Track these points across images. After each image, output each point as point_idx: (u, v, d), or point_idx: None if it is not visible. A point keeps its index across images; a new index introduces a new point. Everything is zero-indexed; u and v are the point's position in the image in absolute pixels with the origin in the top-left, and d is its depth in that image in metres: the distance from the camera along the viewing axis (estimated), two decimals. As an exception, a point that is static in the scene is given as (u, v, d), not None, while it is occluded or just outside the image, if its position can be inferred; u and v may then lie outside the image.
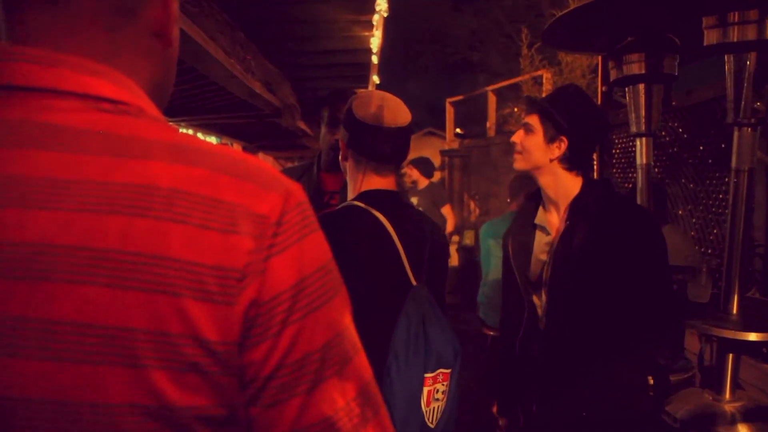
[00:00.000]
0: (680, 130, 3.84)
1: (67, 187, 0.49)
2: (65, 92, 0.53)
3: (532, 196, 1.89)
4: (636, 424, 1.69)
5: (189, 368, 0.49)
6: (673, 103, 3.68)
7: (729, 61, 1.78)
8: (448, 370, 1.46)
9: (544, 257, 1.76)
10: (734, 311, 1.85)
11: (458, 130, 10.46)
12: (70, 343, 0.47)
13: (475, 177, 9.61)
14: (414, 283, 1.46)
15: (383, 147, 1.48)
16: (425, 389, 1.41)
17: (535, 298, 1.79)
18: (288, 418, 0.53)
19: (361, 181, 1.52)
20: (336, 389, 0.54)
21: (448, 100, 10.86)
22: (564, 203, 1.73)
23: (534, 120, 1.72)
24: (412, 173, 6.09)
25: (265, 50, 4.30)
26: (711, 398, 1.89)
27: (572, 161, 1.70)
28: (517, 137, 1.76)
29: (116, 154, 0.51)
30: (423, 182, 6.03)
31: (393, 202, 1.52)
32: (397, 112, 1.49)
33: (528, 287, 1.81)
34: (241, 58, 3.39)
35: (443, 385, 1.45)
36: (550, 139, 1.69)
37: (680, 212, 3.75)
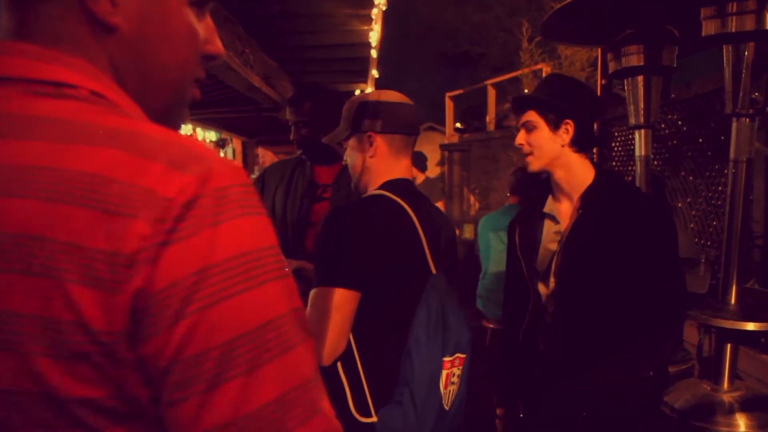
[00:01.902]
0: (680, 122, 3.83)
1: None
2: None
3: (541, 186, 1.89)
4: (637, 415, 1.69)
5: (77, 357, 0.47)
6: (672, 96, 3.68)
7: (727, 52, 1.78)
8: (464, 355, 1.52)
9: (553, 246, 1.76)
10: (732, 301, 1.85)
11: (458, 125, 10.46)
12: None
13: (475, 171, 9.61)
14: (434, 271, 1.51)
15: (415, 119, 1.63)
16: (444, 372, 1.46)
17: (541, 288, 1.79)
18: (185, 420, 0.48)
19: (388, 169, 1.59)
20: (244, 392, 0.48)
21: (448, 94, 10.85)
22: (577, 193, 1.72)
23: (532, 116, 1.71)
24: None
25: (264, 44, 4.29)
26: (709, 388, 1.89)
27: (582, 141, 1.70)
28: (521, 139, 1.73)
29: (21, 137, 0.50)
30: (420, 177, 6.01)
31: (414, 192, 1.60)
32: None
33: (534, 277, 1.80)
34: (240, 51, 3.39)
35: (459, 369, 1.51)
36: (555, 127, 1.68)
37: (680, 204, 3.75)
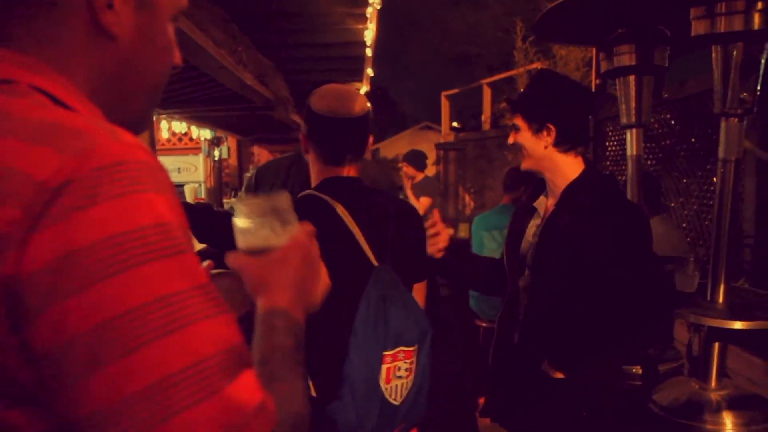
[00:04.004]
0: (672, 122, 3.85)
1: None
2: None
3: (535, 183, 1.91)
4: (619, 413, 1.70)
5: None
6: (665, 95, 3.69)
7: (716, 52, 1.79)
8: (411, 348, 1.50)
9: (533, 240, 1.78)
10: (720, 300, 1.86)
11: (454, 124, 10.46)
12: None
13: (470, 170, 9.63)
14: (375, 263, 1.50)
15: (338, 136, 1.56)
16: (384, 366, 1.45)
17: (521, 281, 1.81)
18: (64, 407, 0.48)
19: (323, 171, 1.58)
20: (122, 376, 0.47)
21: (444, 93, 10.86)
22: (560, 190, 1.74)
23: (518, 119, 1.77)
24: (408, 169, 6.03)
25: (257, 43, 4.29)
26: (697, 387, 1.90)
27: (567, 142, 1.71)
28: (511, 139, 1.81)
29: None
30: (419, 176, 5.99)
31: (352, 188, 1.58)
32: (350, 102, 1.56)
33: (515, 269, 1.82)
34: (233, 49, 3.38)
35: (406, 362, 1.49)
36: (536, 131, 1.71)
37: (672, 204, 3.76)
